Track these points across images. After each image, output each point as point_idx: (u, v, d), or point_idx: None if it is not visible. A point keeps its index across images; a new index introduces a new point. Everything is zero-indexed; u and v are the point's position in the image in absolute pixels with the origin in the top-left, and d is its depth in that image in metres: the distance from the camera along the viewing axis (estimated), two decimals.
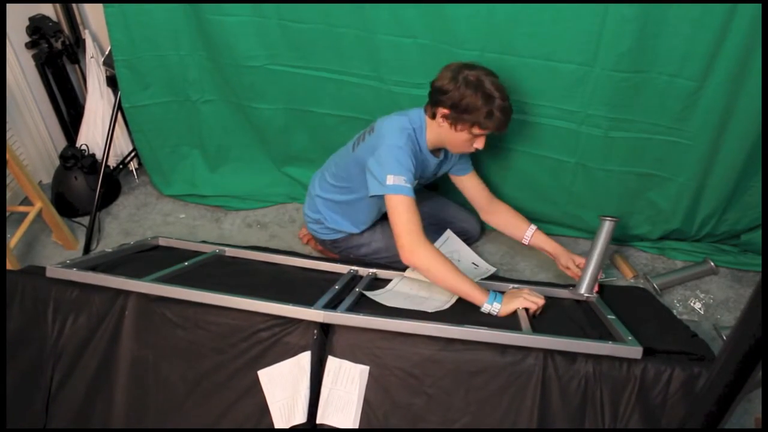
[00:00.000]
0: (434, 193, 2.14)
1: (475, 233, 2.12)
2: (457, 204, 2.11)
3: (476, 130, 1.58)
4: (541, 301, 1.48)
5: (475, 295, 1.46)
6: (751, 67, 1.57)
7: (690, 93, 1.66)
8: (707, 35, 1.54)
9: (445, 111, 1.57)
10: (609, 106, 1.74)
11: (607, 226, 1.73)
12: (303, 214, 2.00)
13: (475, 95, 1.53)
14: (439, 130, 1.64)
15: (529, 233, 1.86)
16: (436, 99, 1.59)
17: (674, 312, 1.84)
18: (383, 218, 1.84)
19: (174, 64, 2.06)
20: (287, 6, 1.82)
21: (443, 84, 1.56)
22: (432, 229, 1.93)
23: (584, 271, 1.72)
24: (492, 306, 1.45)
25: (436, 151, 1.74)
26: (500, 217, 1.92)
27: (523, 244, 1.89)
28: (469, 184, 1.90)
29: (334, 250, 1.99)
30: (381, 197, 1.58)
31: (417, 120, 1.66)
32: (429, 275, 1.48)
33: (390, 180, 1.53)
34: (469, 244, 2.05)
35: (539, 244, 1.87)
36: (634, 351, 1.23)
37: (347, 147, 1.79)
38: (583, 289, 1.69)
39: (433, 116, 1.62)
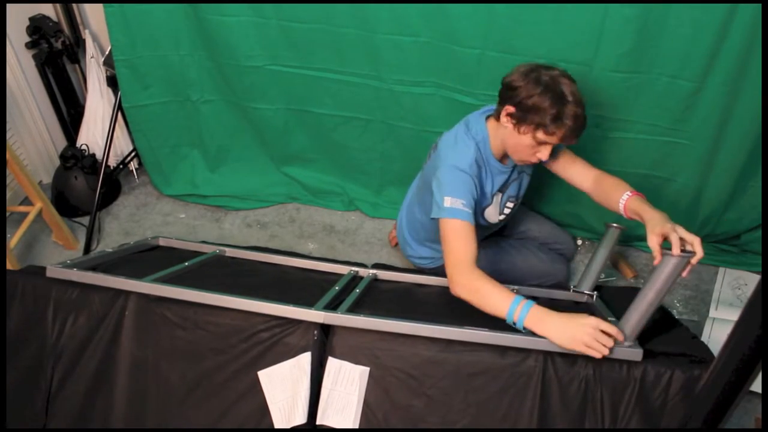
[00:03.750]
0: (532, 212, 2.04)
1: (570, 253, 2.02)
2: (554, 223, 2.04)
3: (541, 135, 1.42)
4: (609, 345, 1.19)
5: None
6: (750, 68, 1.57)
7: (690, 94, 1.66)
8: (707, 36, 1.54)
9: (511, 109, 1.43)
10: (609, 106, 1.74)
11: (613, 233, 1.75)
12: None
13: (544, 94, 1.37)
14: (503, 133, 1.49)
15: (624, 198, 1.47)
16: (503, 96, 1.46)
17: (674, 312, 1.84)
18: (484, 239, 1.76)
19: (174, 64, 2.05)
20: (287, 6, 1.82)
21: (513, 80, 1.42)
22: (533, 244, 1.91)
23: (587, 270, 1.74)
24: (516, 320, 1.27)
25: (503, 159, 1.60)
26: (600, 189, 1.58)
27: (625, 215, 1.49)
28: (565, 165, 1.65)
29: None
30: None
31: (480, 130, 1.54)
32: (475, 305, 1.34)
33: (447, 202, 1.43)
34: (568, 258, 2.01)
35: (634, 211, 1.44)
36: (634, 353, 1.23)
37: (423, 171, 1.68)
38: (584, 287, 1.71)
39: (498, 116, 1.49)
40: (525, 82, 1.40)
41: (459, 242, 1.40)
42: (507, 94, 1.44)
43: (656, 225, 1.30)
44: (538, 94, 1.38)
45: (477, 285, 1.33)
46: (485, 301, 1.31)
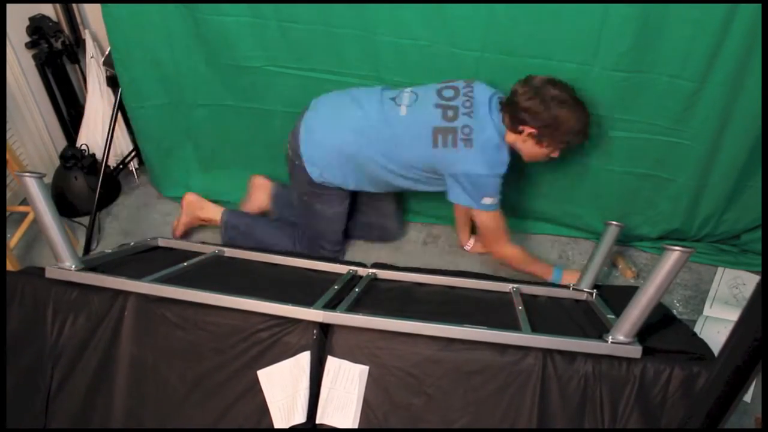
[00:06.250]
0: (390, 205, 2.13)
1: (392, 234, 2.17)
2: (389, 202, 2.11)
3: (563, 146, 1.69)
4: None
5: (544, 272, 1.88)
6: (751, 68, 1.57)
7: (690, 93, 1.66)
8: (707, 36, 1.54)
9: (533, 131, 1.64)
10: (609, 105, 1.74)
11: (612, 231, 1.77)
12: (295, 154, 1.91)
13: (569, 116, 1.61)
14: (520, 145, 1.70)
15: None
16: (521, 118, 1.63)
17: (674, 312, 1.84)
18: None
19: (168, 66, 2.03)
20: (286, 6, 1.81)
21: (529, 105, 1.61)
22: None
23: (587, 268, 1.76)
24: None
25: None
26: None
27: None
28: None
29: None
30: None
31: (500, 132, 1.69)
32: (509, 264, 1.89)
33: (486, 201, 1.71)
34: (384, 241, 2.18)
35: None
36: (634, 350, 1.23)
37: (421, 138, 1.70)
38: (583, 285, 1.73)
39: (515, 131, 1.67)
40: (544, 106, 1.60)
41: (496, 224, 1.79)
42: (524, 116, 1.62)
43: None
44: (563, 116, 1.61)
45: (513, 255, 1.86)
46: (521, 266, 1.88)
